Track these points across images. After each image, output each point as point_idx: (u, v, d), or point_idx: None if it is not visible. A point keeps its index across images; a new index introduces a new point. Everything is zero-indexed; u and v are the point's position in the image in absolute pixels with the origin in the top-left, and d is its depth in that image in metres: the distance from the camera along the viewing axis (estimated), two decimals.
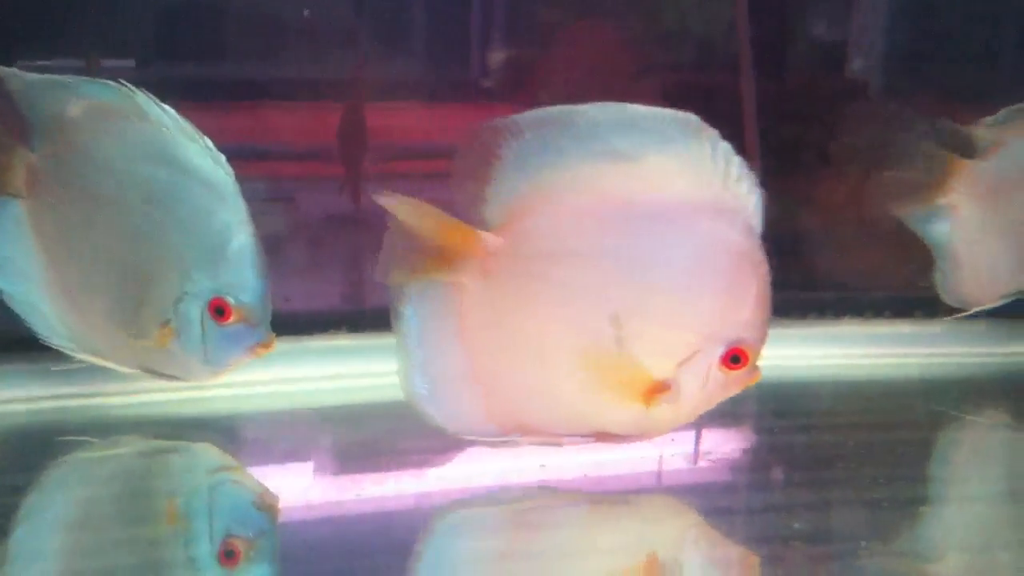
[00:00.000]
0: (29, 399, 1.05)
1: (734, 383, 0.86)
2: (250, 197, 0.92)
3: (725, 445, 1.03)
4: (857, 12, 1.41)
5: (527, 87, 1.35)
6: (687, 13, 1.38)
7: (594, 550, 0.84)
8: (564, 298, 0.84)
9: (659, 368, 0.84)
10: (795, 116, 1.26)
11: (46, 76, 0.95)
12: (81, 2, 1.19)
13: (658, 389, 0.84)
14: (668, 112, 0.82)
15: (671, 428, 0.88)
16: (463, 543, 0.86)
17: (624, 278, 0.84)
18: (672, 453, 0.97)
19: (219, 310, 0.91)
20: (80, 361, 0.99)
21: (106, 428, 1.01)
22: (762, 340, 0.85)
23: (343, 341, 1.19)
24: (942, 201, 1.15)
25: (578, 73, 1.34)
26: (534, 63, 1.36)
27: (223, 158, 0.92)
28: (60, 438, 0.98)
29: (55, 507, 0.88)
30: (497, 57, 1.35)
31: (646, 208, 0.83)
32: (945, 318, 1.22)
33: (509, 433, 0.89)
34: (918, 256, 1.19)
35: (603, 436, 0.88)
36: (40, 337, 0.98)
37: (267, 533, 0.83)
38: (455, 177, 0.87)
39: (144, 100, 0.92)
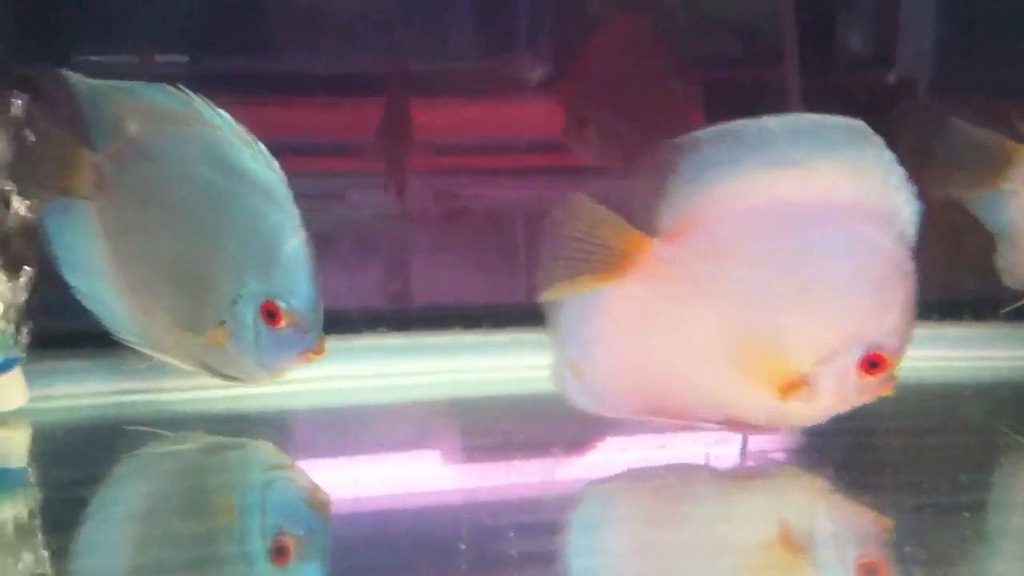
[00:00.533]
0: (99, 394, 1.10)
1: (869, 389, 0.89)
2: (299, 194, 0.94)
3: (771, 445, 1.04)
4: (905, 5, 1.41)
5: (570, 81, 1.36)
6: (731, 7, 1.39)
7: (732, 518, 0.90)
8: (729, 294, 0.89)
9: (799, 363, 0.88)
10: (842, 111, 1.26)
11: (107, 81, 0.98)
12: None
13: (795, 384, 0.89)
14: (838, 119, 0.88)
15: (802, 424, 0.93)
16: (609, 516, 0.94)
17: (782, 274, 0.89)
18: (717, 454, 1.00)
19: (271, 314, 0.92)
20: (148, 357, 1.02)
21: (171, 423, 1.04)
22: (902, 350, 0.89)
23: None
24: (1004, 186, 1.15)
25: (621, 68, 1.35)
26: (577, 57, 1.37)
27: (276, 163, 0.93)
28: (129, 428, 1.02)
29: (120, 500, 0.92)
30: (541, 51, 1.37)
31: (812, 210, 0.88)
32: (1001, 312, 1.21)
33: (647, 414, 0.94)
34: (965, 258, 1.19)
35: (735, 424, 0.93)
36: (110, 333, 1.01)
37: (318, 531, 0.86)
38: (630, 190, 0.91)
39: (201, 104, 0.94)
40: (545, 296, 0.93)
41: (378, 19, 1.32)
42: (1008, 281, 1.18)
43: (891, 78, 1.41)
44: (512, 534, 0.82)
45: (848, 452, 1.00)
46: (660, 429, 0.98)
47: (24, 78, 1.02)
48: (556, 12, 1.37)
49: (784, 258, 0.88)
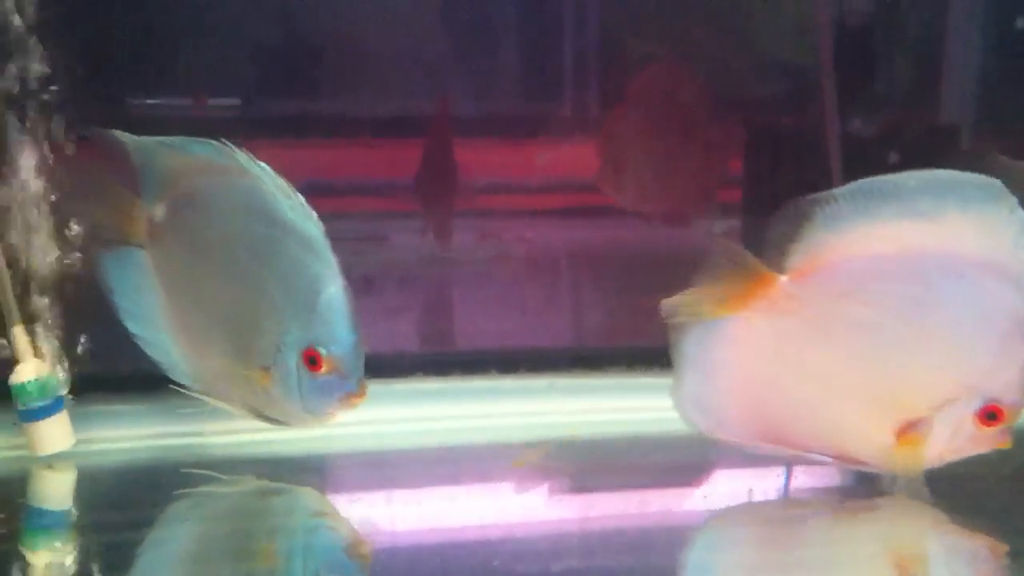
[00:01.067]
0: (143, 437, 1.11)
1: (984, 440, 0.92)
2: (342, 236, 0.95)
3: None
4: (949, 50, 1.40)
5: (606, 128, 1.38)
6: (770, 51, 1.39)
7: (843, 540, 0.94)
8: (851, 334, 0.93)
9: (916, 408, 0.92)
10: (880, 158, 1.27)
11: (154, 138, 1.01)
12: (189, 43, 1.23)
13: (910, 428, 0.92)
14: (972, 176, 0.90)
15: (912, 468, 0.95)
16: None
17: (906, 319, 0.91)
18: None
19: (312, 360, 0.93)
20: (193, 401, 1.04)
21: (215, 467, 1.05)
22: (1021, 405, 0.91)
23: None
24: None
25: (655, 115, 1.37)
26: (614, 104, 1.39)
27: (314, 213, 0.95)
28: (184, 471, 1.04)
29: (163, 544, 0.93)
30: (586, 92, 1.38)
31: (940, 261, 0.91)
32: None
33: (763, 442, 0.97)
34: None
35: (845, 459, 0.96)
36: (160, 376, 1.04)
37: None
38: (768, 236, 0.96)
39: (243, 157, 0.96)
40: (673, 321, 0.97)
41: (424, 62, 1.33)
42: None
43: (934, 118, 1.40)
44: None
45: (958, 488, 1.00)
46: (768, 459, 1.00)
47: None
48: (601, 53, 1.38)
49: (909, 304, 0.91)
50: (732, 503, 1.05)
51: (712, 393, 0.98)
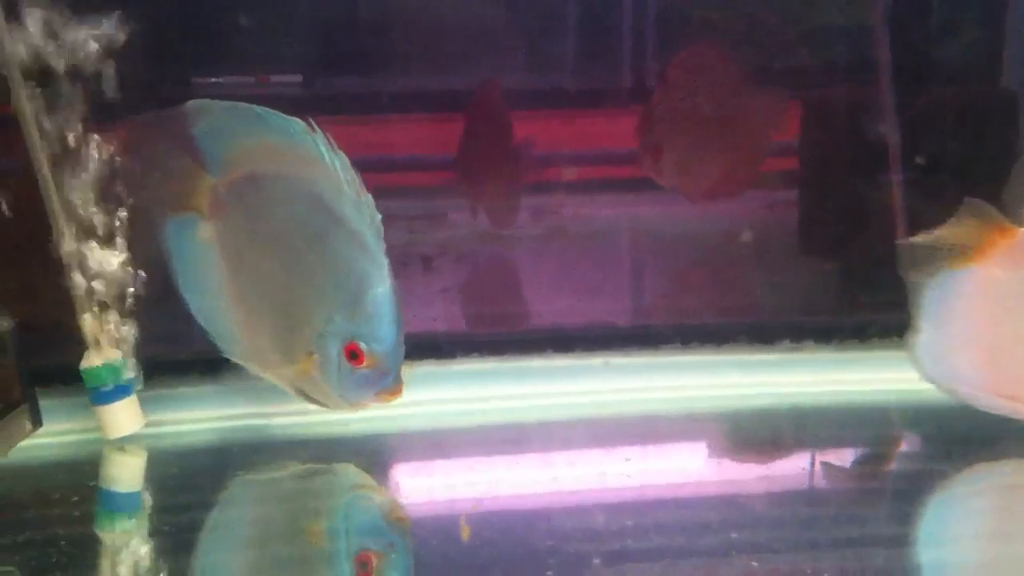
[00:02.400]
0: (208, 419, 1.15)
1: None
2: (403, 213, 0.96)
3: None
4: (1012, 15, 1.37)
5: (645, 110, 1.37)
6: (824, 19, 1.38)
7: None
8: None
9: None
10: (940, 130, 1.25)
11: (232, 104, 1.01)
12: (252, 20, 1.25)
13: None
14: None
15: None
16: None
17: None
18: None
19: (353, 354, 0.96)
20: (254, 380, 1.07)
21: (273, 446, 1.10)
22: None
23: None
24: None
25: (694, 96, 1.35)
26: (666, 71, 1.37)
27: (376, 214, 0.97)
28: (237, 454, 1.07)
29: (225, 525, 0.97)
30: (639, 64, 1.38)
31: None
32: None
33: (996, 393, 1.00)
34: None
35: None
36: (218, 355, 1.06)
37: (399, 550, 0.89)
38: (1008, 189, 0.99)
39: (320, 140, 0.96)
40: (912, 275, 1.01)
41: (482, 35, 1.34)
42: None
43: (995, 89, 1.38)
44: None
45: None
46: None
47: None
48: (657, 22, 1.38)
49: None
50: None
51: (949, 345, 1.01)
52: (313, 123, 0.97)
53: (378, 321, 0.96)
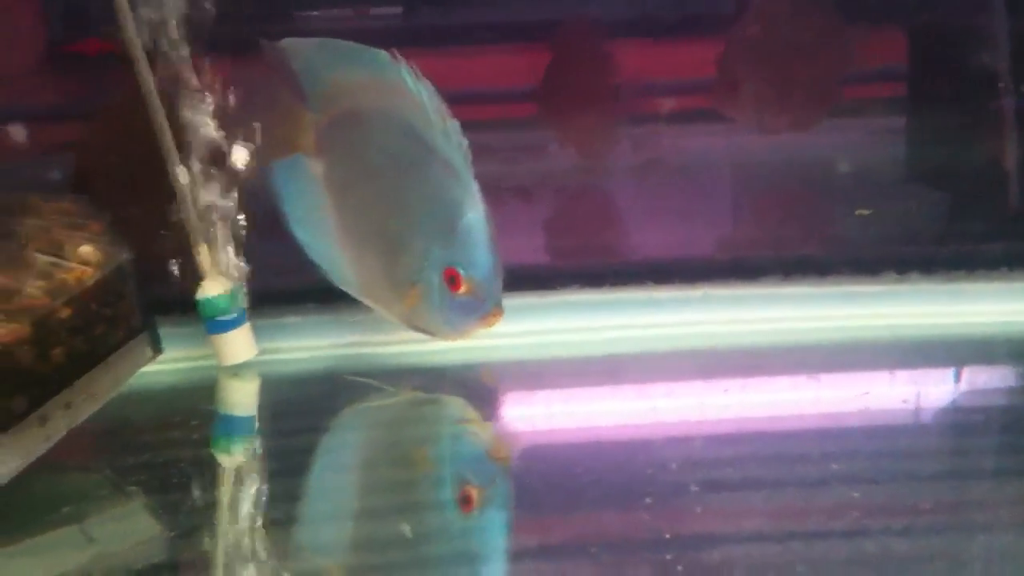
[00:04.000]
0: (319, 348, 1.19)
1: None
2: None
3: None
4: None
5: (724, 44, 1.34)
6: None
7: None
8: None
9: None
10: None
11: (323, 41, 1.04)
12: None
13: None
14: None
15: None
16: None
17: None
18: None
19: (452, 280, 0.99)
20: (363, 311, 1.11)
21: (383, 375, 1.12)
22: None
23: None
24: None
25: (772, 32, 1.33)
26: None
27: (464, 140, 0.99)
28: (352, 379, 1.11)
29: (335, 450, 1.01)
30: None
31: None
32: None
33: None
34: None
35: None
36: (330, 288, 1.09)
37: (499, 482, 0.92)
38: None
39: (407, 74, 0.99)
40: None
41: None
42: None
43: None
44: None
45: None
46: None
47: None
48: None
49: None
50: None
51: None
52: (397, 54, 0.99)
53: (472, 247, 0.99)
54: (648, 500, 0.83)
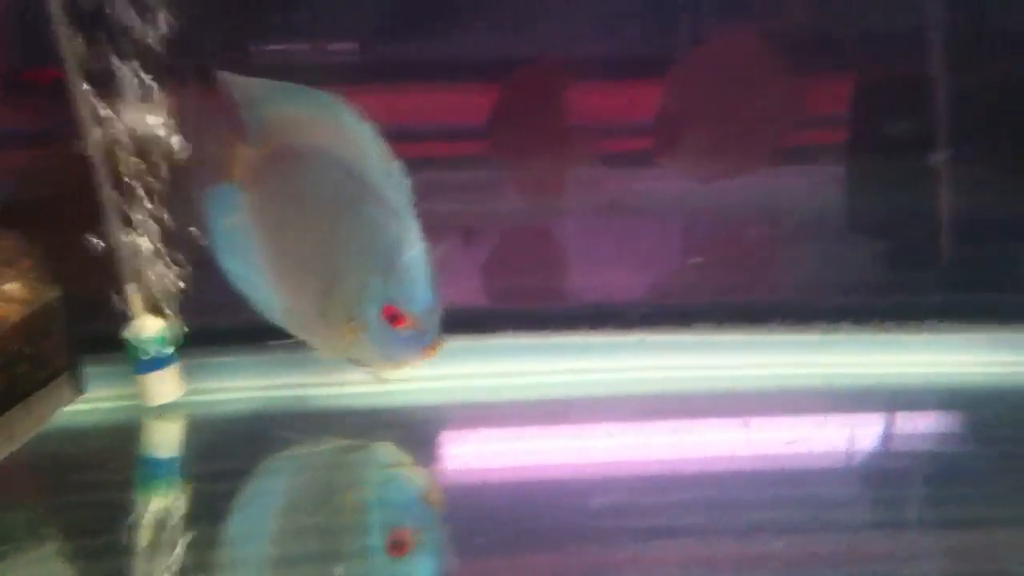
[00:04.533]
0: (247, 388, 1.18)
1: None
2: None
3: None
4: None
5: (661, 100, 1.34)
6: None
7: None
8: None
9: None
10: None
11: (265, 80, 1.04)
12: None
13: None
14: None
15: None
16: None
17: None
18: None
19: (392, 316, 0.99)
20: (292, 347, 1.09)
21: (310, 418, 1.12)
22: None
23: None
24: None
25: (710, 87, 1.33)
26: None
27: (404, 179, 1.00)
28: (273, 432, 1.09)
29: (260, 494, 0.98)
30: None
31: None
32: None
33: None
34: None
35: None
36: (260, 326, 1.07)
37: (432, 527, 0.91)
38: None
39: (347, 113, 1.00)
40: None
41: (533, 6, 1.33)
42: None
43: None
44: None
45: None
46: None
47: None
48: None
49: None
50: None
51: None
52: (337, 93, 0.99)
53: (413, 283, 0.99)
54: (578, 545, 0.83)
